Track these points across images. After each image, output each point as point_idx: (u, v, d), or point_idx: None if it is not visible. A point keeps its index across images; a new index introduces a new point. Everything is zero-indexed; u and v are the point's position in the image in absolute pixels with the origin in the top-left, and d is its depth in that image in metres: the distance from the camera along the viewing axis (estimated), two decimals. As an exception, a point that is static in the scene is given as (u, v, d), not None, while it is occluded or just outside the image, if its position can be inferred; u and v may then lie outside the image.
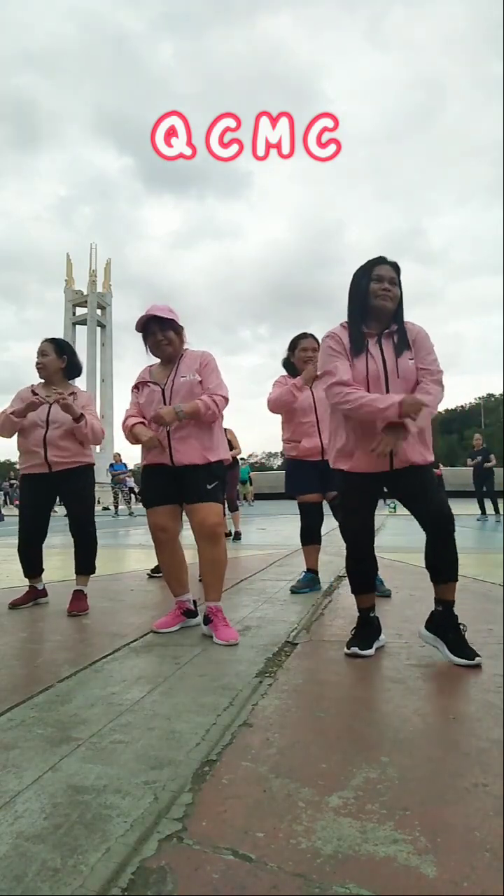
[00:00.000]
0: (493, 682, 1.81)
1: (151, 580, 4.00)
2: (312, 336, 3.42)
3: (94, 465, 3.22)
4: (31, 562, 3.22)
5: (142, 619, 2.78)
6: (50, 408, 3.05)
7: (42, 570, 3.26)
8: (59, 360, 3.17)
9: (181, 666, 2.02)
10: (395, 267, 2.15)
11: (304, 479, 3.40)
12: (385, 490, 2.23)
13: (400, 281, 2.16)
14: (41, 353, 3.15)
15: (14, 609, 3.09)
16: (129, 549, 6.77)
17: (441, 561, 2.08)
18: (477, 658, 1.97)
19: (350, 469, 2.16)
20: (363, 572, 2.22)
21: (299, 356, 3.41)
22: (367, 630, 2.17)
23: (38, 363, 3.14)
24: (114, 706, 1.65)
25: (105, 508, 19.35)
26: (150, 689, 1.78)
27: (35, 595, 3.24)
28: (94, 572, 3.19)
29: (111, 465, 16.03)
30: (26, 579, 3.25)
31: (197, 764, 1.30)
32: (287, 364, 3.50)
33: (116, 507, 15.83)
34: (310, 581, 3.43)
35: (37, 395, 3.09)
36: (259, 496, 20.88)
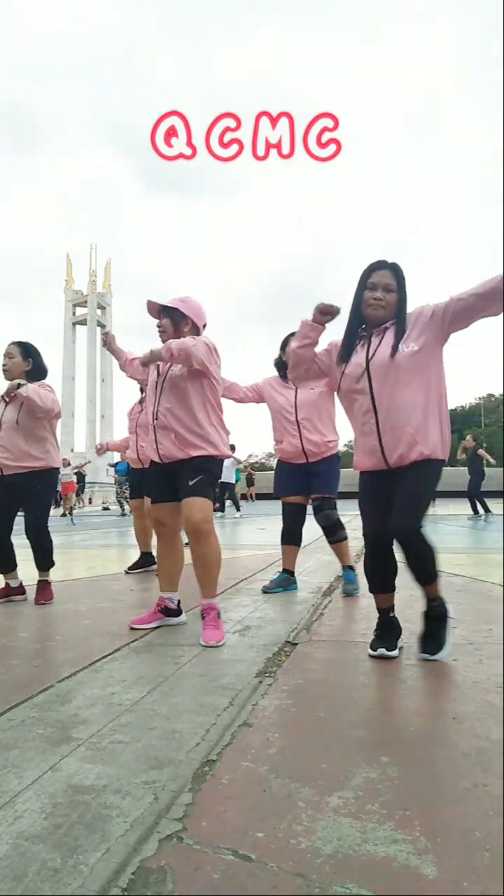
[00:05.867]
0: (493, 682, 1.80)
1: (149, 579, 4.00)
2: None
3: (49, 469, 3.20)
4: (1, 558, 3.30)
5: (142, 619, 2.77)
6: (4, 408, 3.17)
7: (15, 566, 3.33)
8: (24, 363, 3.24)
9: (181, 666, 2.02)
10: (395, 270, 2.04)
11: (286, 480, 3.45)
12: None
13: (400, 285, 2.04)
14: (7, 355, 3.25)
15: None
16: (130, 550, 6.76)
17: (409, 569, 2.01)
18: (439, 654, 1.93)
19: (355, 467, 2.17)
20: (381, 572, 2.13)
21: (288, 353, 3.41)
22: (389, 630, 2.12)
23: (3, 365, 3.22)
24: (114, 706, 1.65)
25: (105, 508, 19.37)
26: (150, 689, 1.78)
27: (8, 592, 3.30)
28: (52, 566, 3.30)
29: (116, 465, 16.10)
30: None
31: (197, 764, 1.30)
32: (279, 364, 3.46)
33: (122, 506, 15.91)
34: (283, 581, 3.44)
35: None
36: (259, 496, 20.87)
